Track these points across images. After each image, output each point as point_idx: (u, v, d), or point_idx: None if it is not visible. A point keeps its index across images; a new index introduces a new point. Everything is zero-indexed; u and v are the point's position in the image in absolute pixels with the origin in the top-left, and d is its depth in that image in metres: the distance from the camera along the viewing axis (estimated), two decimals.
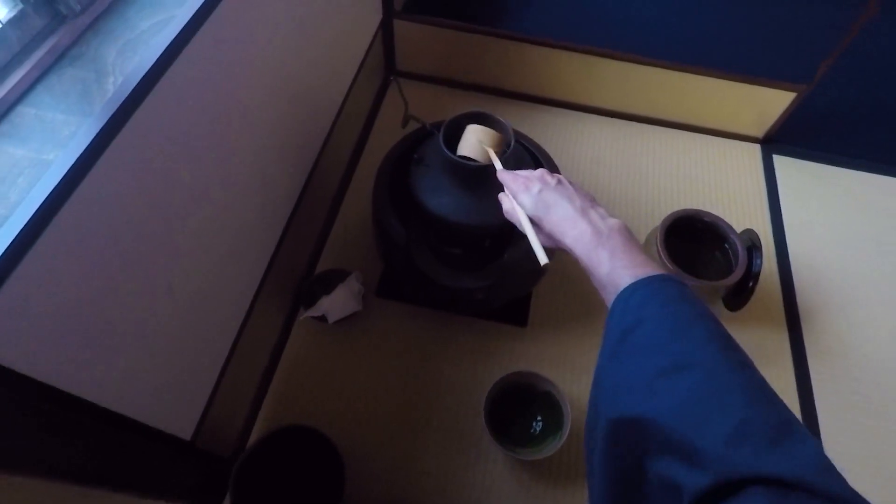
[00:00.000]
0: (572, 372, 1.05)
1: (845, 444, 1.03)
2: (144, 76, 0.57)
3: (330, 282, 1.06)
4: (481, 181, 0.87)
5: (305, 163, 1.04)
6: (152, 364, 0.67)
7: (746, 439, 0.34)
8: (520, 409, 0.98)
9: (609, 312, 0.47)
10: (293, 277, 1.08)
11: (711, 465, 0.34)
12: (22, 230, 0.46)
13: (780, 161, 1.42)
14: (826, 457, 0.34)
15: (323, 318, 1.03)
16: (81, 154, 0.51)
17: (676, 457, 0.37)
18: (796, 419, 0.37)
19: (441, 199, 0.89)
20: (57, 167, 0.50)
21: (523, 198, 0.59)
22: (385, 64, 1.47)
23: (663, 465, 0.38)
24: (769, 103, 1.35)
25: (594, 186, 1.33)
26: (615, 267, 0.48)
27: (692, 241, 1.10)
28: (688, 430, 0.36)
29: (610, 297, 0.48)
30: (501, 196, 0.64)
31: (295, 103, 0.94)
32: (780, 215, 1.32)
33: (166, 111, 0.61)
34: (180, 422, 0.75)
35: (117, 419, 0.62)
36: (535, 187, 0.58)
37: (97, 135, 0.52)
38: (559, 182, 0.59)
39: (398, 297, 1.12)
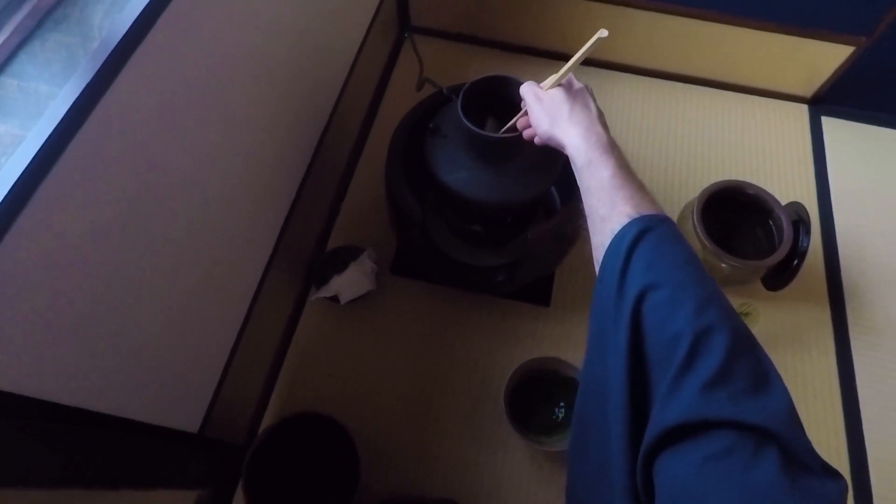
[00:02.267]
0: None
1: (889, 433, 0.97)
2: (126, 34, 0.50)
3: (342, 260, 1.01)
4: (503, 154, 0.79)
5: (313, 130, 0.96)
6: (153, 361, 0.63)
7: (724, 386, 0.36)
8: (542, 396, 0.94)
9: (613, 242, 0.48)
10: (303, 255, 1.03)
11: (683, 404, 0.37)
12: None
13: (828, 123, 1.30)
14: (796, 413, 0.37)
15: (335, 299, 0.99)
16: (56, 127, 0.45)
17: (655, 391, 0.39)
18: (775, 370, 0.39)
19: (459, 174, 0.82)
20: (30, 142, 0.44)
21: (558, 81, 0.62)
22: (399, 19, 1.36)
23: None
24: (820, 59, 1.22)
25: (623, 152, 1.23)
26: (618, 176, 0.51)
27: (732, 214, 1.01)
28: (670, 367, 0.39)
29: (599, 197, 0.51)
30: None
31: (300, 65, 0.85)
32: (827, 183, 1.21)
33: (151, 77, 0.54)
34: (186, 415, 0.72)
35: (120, 423, 0.58)
36: (577, 84, 0.62)
37: (74, 103, 0.46)
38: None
39: (413, 274, 1.07)
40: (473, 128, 0.74)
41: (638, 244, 0.45)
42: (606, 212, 0.49)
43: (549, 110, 0.60)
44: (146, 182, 0.56)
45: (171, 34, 0.56)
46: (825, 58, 1.22)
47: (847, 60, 1.20)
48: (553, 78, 0.62)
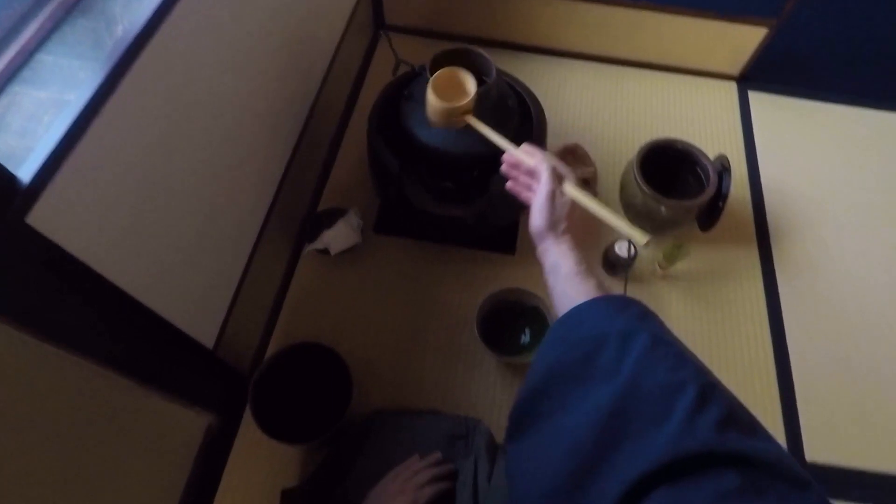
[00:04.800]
0: None
1: (811, 355, 1.12)
2: (146, 23, 0.64)
3: (331, 218, 1.14)
4: None
5: (302, 108, 1.11)
6: (178, 269, 0.75)
7: (733, 426, 0.39)
8: (509, 323, 1.07)
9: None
10: (297, 216, 1.17)
11: (700, 437, 0.38)
12: (61, 141, 0.53)
13: (755, 97, 1.48)
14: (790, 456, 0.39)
15: (326, 251, 1.12)
16: (104, 80, 0.58)
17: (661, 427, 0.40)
18: (762, 426, 0.42)
19: (431, 130, 0.97)
20: (84, 91, 0.57)
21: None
22: (374, 18, 1.52)
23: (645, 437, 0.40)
24: (742, 40, 1.41)
25: (577, 126, 1.40)
26: (601, 287, 0.55)
27: (667, 166, 1.18)
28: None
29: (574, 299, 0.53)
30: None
31: (288, 54, 1.00)
32: (754, 145, 1.39)
33: (168, 56, 0.68)
34: (203, 328, 0.84)
35: (153, 317, 0.71)
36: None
37: (115, 64, 0.60)
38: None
39: (394, 231, 1.21)
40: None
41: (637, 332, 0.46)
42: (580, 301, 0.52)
43: (555, 213, 0.59)
44: (170, 131, 0.69)
45: (182, 26, 0.69)
46: (745, 39, 1.40)
47: (764, 40, 1.39)
48: (580, 195, 0.60)
